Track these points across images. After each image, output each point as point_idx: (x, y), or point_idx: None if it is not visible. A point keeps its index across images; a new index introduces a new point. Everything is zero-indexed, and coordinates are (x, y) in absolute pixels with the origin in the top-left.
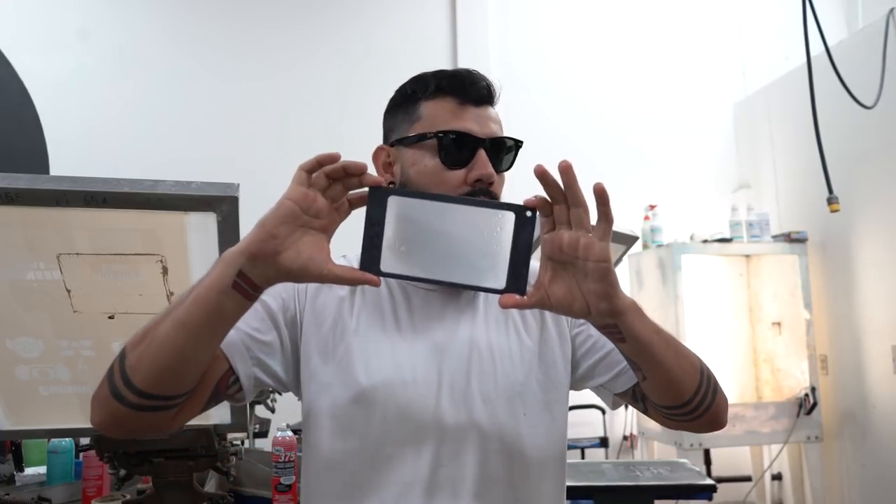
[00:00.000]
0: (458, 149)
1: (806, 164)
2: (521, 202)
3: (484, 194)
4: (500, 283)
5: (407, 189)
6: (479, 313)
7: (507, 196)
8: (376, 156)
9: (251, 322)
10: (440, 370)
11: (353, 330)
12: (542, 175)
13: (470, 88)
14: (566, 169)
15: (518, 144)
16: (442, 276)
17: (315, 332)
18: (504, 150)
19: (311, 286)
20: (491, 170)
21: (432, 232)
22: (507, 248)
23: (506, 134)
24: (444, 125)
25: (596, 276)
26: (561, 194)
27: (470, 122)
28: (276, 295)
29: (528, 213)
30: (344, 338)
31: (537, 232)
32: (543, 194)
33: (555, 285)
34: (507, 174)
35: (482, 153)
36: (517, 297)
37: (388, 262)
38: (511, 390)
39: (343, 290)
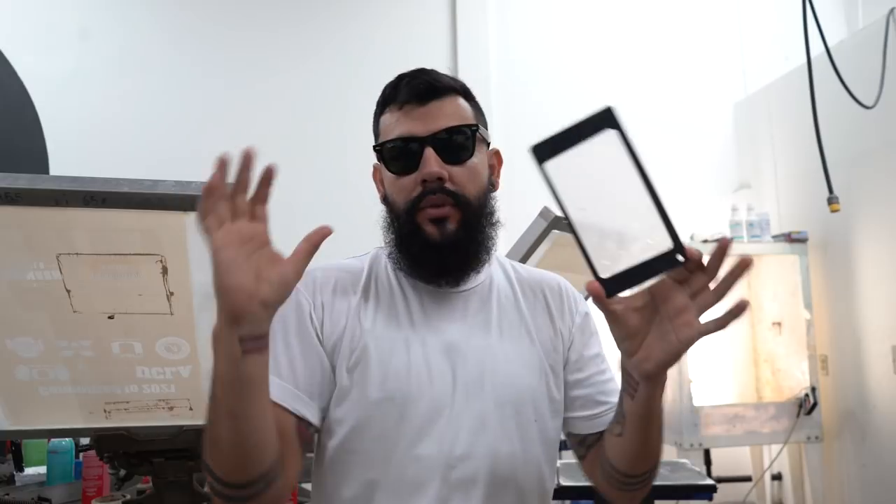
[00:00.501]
0: (400, 155)
1: (806, 164)
2: (685, 245)
3: (436, 193)
4: (606, 273)
5: (628, 136)
6: (492, 316)
7: (510, 191)
8: (374, 174)
9: (296, 367)
10: (455, 370)
11: (369, 331)
12: (722, 249)
13: (405, 89)
14: (745, 265)
15: (472, 129)
16: (575, 217)
17: (336, 341)
18: (456, 140)
19: (324, 298)
20: (433, 168)
21: (607, 185)
22: (639, 256)
23: (498, 126)
24: (387, 135)
25: (668, 349)
26: (714, 272)
27: (411, 123)
28: (298, 333)
29: (681, 258)
30: (361, 340)
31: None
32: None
33: (635, 314)
34: (519, 180)
35: (427, 151)
36: (604, 292)
37: (556, 164)
38: (523, 395)
39: (356, 296)
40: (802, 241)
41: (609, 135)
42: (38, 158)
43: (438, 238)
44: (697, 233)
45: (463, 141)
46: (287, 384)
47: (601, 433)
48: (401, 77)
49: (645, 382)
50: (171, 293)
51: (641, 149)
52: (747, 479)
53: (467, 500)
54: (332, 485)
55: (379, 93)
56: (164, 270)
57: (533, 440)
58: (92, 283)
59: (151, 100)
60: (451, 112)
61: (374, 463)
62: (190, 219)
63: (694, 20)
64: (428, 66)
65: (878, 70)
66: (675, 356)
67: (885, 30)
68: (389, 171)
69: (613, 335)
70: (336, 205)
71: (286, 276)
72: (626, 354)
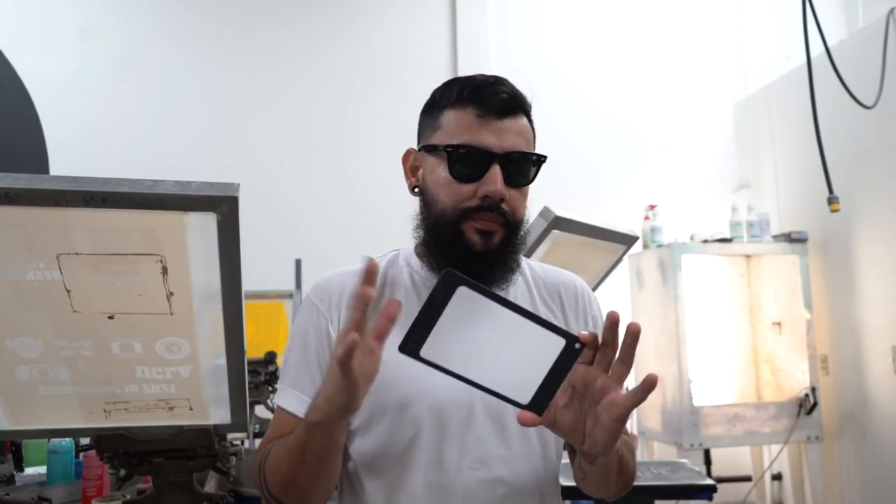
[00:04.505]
0: (468, 163)
1: (806, 164)
2: (575, 333)
3: (493, 211)
4: (526, 398)
5: (479, 285)
6: None
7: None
8: (405, 157)
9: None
10: None
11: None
12: (612, 322)
13: (490, 100)
14: (635, 332)
15: (541, 159)
16: (474, 377)
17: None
18: (523, 165)
19: (341, 310)
20: (499, 187)
21: (482, 331)
22: (545, 367)
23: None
24: (459, 137)
25: (607, 429)
26: (615, 344)
27: (486, 135)
28: (317, 350)
29: (578, 346)
30: None
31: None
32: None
33: (566, 411)
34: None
35: (495, 168)
36: (535, 415)
37: (429, 349)
38: None
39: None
40: (802, 241)
41: (461, 293)
42: (38, 158)
43: (482, 249)
44: (697, 233)
45: (528, 167)
46: (310, 399)
47: None
48: (483, 82)
49: (601, 456)
50: (171, 293)
51: (621, 150)
52: (747, 479)
53: (491, 500)
54: (353, 488)
55: (379, 92)
56: (164, 270)
57: (549, 441)
58: (92, 283)
59: (151, 100)
60: (521, 132)
61: (395, 468)
62: (190, 219)
63: (694, 20)
64: (427, 67)
65: (878, 70)
66: (616, 433)
67: (885, 30)
68: (450, 173)
69: (558, 435)
70: (336, 205)
71: (377, 367)
72: (576, 445)
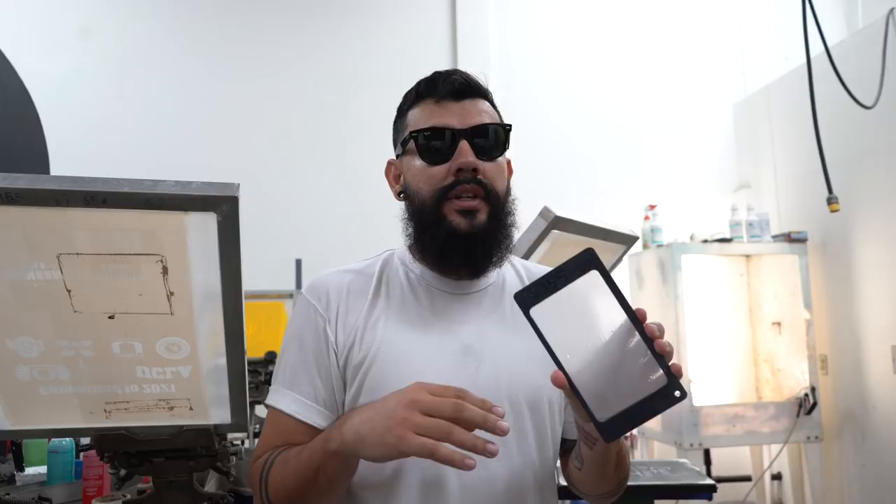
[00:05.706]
0: (436, 144)
1: (806, 164)
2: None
3: (471, 183)
4: (603, 415)
5: (612, 278)
6: (506, 316)
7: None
8: (387, 170)
9: (316, 383)
10: (469, 371)
11: (382, 335)
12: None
13: (443, 85)
14: None
15: (506, 129)
16: (564, 363)
17: (349, 348)
18: (490, 136)
19: (339, 308)
20: (471, 158)
21: (594, 325)
22: (636, 395)
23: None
24: (419, 126)
25: None
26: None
27: (448, 116)
28: (315, 351)
29: (678, 394)
30: (373, 345)
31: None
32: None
33: None
34: (519, 180)
35: (462, 143)
36: (564, 379)
37: (539, 311)
38: (537, 394)
39: (367, 300)
40: (802, 241)
41: (591, 276)
42: (38, 158)
43: (466, 228)
44: (697, 233)
45: (496, 138)
46: (308, 401)
47: (574, 440)
48: (437, 74)
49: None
50: (172, 293)
51: (621, 150)
52: (747, 478)
53: (487, 499)
54: (348, 487)
55: (379, 92)
56: (165, 270)
57: (546, 438)
58: (92, 283)
59: (152, 99)
60: (483, 111)
61: (390, 466)
62: (190, 219)
63: (694, 20)
64: (427, 67)
65: (878, 70)
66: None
67: (885, 30)
68: (422, 159)
69: (572, 404)
70: (336, 205)
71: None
72: (584, 419)
